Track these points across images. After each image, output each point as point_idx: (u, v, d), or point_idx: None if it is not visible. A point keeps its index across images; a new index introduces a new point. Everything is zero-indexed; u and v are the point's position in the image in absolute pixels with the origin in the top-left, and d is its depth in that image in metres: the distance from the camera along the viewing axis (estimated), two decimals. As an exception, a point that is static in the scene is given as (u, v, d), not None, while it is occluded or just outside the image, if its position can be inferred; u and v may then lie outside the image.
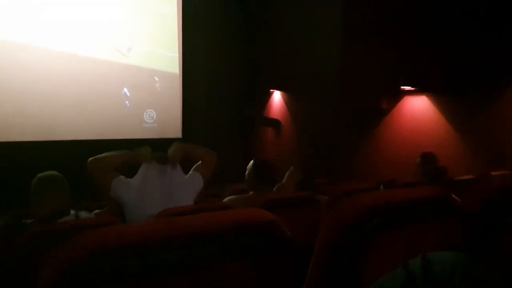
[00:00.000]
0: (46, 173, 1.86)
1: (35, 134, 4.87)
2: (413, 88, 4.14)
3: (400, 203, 0.83)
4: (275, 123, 5.85)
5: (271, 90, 5.96)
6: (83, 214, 1.93)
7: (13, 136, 4.74)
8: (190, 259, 0.56)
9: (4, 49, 4.70)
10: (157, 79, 5.77)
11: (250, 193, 2.39)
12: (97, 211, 2.20)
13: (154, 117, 5.75)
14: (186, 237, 0.56)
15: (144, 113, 5.67)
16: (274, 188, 2.49)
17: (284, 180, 2.70)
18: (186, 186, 2.11)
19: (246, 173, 2.43)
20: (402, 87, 4.14)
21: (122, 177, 1.99)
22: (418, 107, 4.19)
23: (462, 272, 0.44)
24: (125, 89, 5.52)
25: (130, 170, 2.05)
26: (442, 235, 0.85)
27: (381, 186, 2.60)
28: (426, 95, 4.10)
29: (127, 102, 5.54)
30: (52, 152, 4.53)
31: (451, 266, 0.45)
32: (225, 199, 2.31)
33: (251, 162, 2.44)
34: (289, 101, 5.71)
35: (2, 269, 1.42)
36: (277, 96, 5.93)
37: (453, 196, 0.90)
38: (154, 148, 2.19)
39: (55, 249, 0.59)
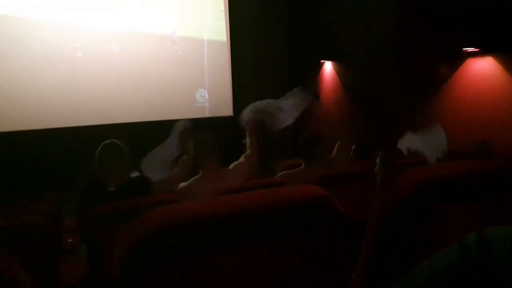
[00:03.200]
0: (108, 141, 2.10)
1: (89, 119, 5.11)
2: (476, 49, 3.82)
3: (458, 176, 0.80)
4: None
5: (321, 61, 5.82)
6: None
7: (71, 121, 5.01)
8: (244, 236, 0.59)
9: (48, 33, 4.92)
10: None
11: (301, 167, 2.42)
12: None
13: (206, 97, 5.88)
14: (240, 214, 0.59)
15: (196, 93, 5.82)
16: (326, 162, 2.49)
17: (333, 153, 2.70)
18: None
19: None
20: (464, 48, 3.83)
21: None
22: (482, 69, 3.86)
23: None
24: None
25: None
26: (507, 212, 0.80)
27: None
28: (492, 56, 3.76)
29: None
30: (110, 136, 4.64)
31: (511, 242, 0.43)
32: (277, 175, 2.37)
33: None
34: (341, 71, 5.54)
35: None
36: (328, 67, 5.78)
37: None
38: (208, 127, 2.36)
39: (125, 225, 0.65)
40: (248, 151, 2.46)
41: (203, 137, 2.36)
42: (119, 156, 2.03)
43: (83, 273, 1.60)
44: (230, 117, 5.84)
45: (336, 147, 2.78)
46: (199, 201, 0.68)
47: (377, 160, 2.55)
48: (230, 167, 2.41)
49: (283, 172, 2.45)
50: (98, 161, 2.05)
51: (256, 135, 2.46)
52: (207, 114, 5.81)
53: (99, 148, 2.07)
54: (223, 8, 5.92)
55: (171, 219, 0.61)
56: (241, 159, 2.46)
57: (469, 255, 0.45)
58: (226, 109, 5.97)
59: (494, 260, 0.42)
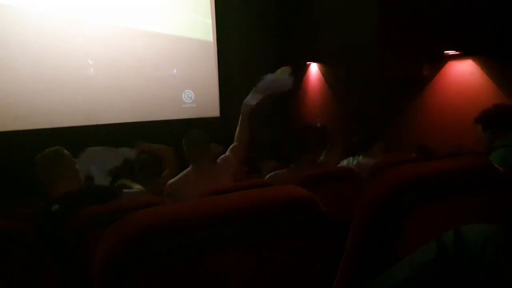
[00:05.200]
0: (52, 149, 1.86)
1: (74, 120, 4.97)
2: (457, 52, 3.90)
3: (438, 174, 0.81)
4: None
5: (307, 63, 5.85)
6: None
7: (57, 122, 4.86)
8: (226, 238, 0.59)
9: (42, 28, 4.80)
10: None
11: (290, 167, 2.43)
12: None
13: (193, 98, 5.85)
14: (221, 216, 0.59)
15: (183, 94, 5.79)
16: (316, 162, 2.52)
17: (323, 155, 2.71)
18: None
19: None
20: (445, 51, 3.90)
21: None
22: (463, 72, 3.95)
23: (495, 244, 0.44)
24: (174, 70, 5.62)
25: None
26: (484, 208, 0.82)
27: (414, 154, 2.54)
28: (472, 59, 3.85)
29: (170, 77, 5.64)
30: (95, 137, 4.24)
31: (484, 239, 0.45)
32: (266, 176, 2.38)
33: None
34: (327, 73, 5.58)
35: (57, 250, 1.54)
36: (314, 69, 5.82)
37: (496, 165, 0.86)
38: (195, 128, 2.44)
39: (106, 229, 0.64)
40: (234, 143, 2.51)
41: (195, 133, 2.38)
42: (62, 165, 1.83)
43: (64, 281, 1.57)
44: (216, 118, 5.83)
45: (326, 149, 2.81)
46: (181, 203, 0.67)
47: (363, 160, 2.59)
48: (218, 161, 2.47)
49: (271, 173, 2.45)
50: (38, 171, 1.83)
51: (247, 123, 2.54)
52: (194, 115, 5.78)
53: (39, 157, 1.85)
54: (209, 8, 5.91)
55: (153, 222, 0.60)
56: (228, 153, 2.52)
57: (445, 252, 0.46)
58: (213, 110, 5.95)
59: (469, 256, 0.44)
